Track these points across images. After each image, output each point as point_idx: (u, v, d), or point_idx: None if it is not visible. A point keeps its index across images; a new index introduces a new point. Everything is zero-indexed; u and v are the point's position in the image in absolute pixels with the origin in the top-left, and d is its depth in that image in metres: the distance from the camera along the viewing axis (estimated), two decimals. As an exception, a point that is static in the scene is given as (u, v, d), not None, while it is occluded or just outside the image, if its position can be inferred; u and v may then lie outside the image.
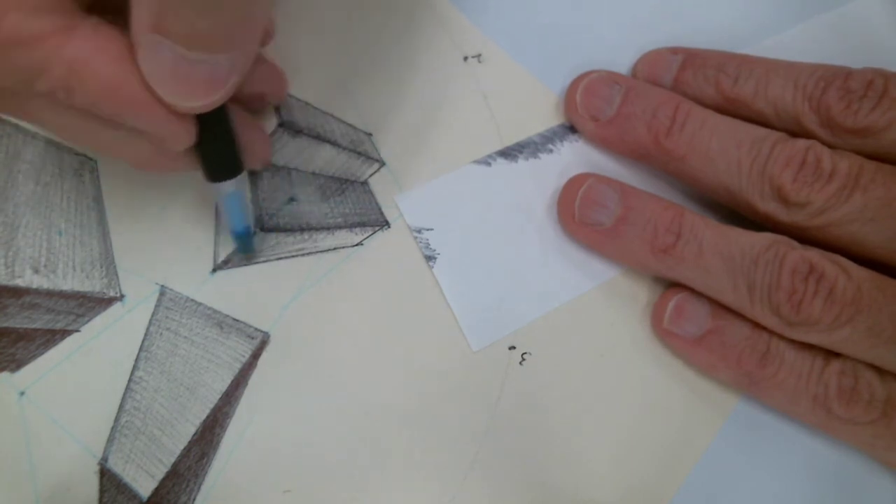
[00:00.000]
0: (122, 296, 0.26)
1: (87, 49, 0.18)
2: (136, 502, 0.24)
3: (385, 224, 0.27)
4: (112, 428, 0.25)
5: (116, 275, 0.26)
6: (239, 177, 0.23)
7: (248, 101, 0.26)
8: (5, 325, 0.25)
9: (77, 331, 0.25)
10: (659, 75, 0.27)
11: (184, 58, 0.17)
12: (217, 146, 0.22)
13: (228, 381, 0.25)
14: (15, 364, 0.25)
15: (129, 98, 0.18)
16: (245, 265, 0.26)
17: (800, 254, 0.22)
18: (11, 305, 0.25)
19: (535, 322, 0.26)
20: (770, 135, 0.24)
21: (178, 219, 0.27)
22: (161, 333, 0.25)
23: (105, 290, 0.26)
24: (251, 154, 0.24)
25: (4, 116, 0.27)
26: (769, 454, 0.25)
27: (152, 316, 0.26)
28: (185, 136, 0.20)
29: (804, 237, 0.23)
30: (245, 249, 0.26)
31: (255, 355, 0.25)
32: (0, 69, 0.18)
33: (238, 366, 0.25)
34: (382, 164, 0.27)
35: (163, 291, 0.26)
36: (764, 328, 0.23)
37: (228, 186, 0.23)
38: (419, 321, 0.26)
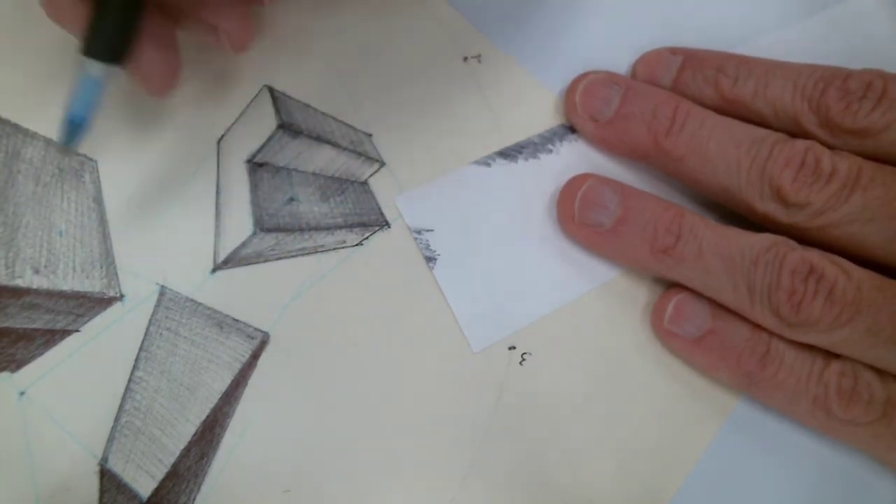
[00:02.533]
0: (122, 296, 0.26)
1: None
2: (136, 502, 0.24)
3: (385, 224, 0.27)
4: (112, 428, 0.25)
5: (116, 275, 0.26)
6: (112, 67, 0.20)
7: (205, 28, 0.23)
8: (5, 325, 0.25)
9: (77, 331, 0.25)
10: (658, 76, 0.27)
11: None
12: (109, 22, 0.20)
13: (228, 381, 0.25)
14: (15, 364, 0.25)
15: None
16: (245, 265, 0.26)
17: (800, 254, 0.22)
18: (11, 305, 0.25)
19: (535, 322, 0.26)
20: (769, 135, 0.24)
21: (178, 219, 0.27)
22: (161, 333, 0.25)
23: (105, 290, 0.26)
24: (143, 72, 0.22)
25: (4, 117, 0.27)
26: (769, 454, 0.25)
27: (152, 316, 0.26)
28: None
29: (803, 238, 0.23)
30: (66, 140, 0.22)
31: (255, 355, 0.25)
32: None
33: (238, 366, 0.25)
34: (382, 164, 0.27)
35: (163, 291, 0.26)
36: (764, 329, 0.23)
37: (96, 70, 0.20)
38: (419, 321, 0.26)
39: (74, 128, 0.22)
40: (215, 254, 0.26)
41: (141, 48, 0.21)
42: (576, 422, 0.25)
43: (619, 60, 0.28)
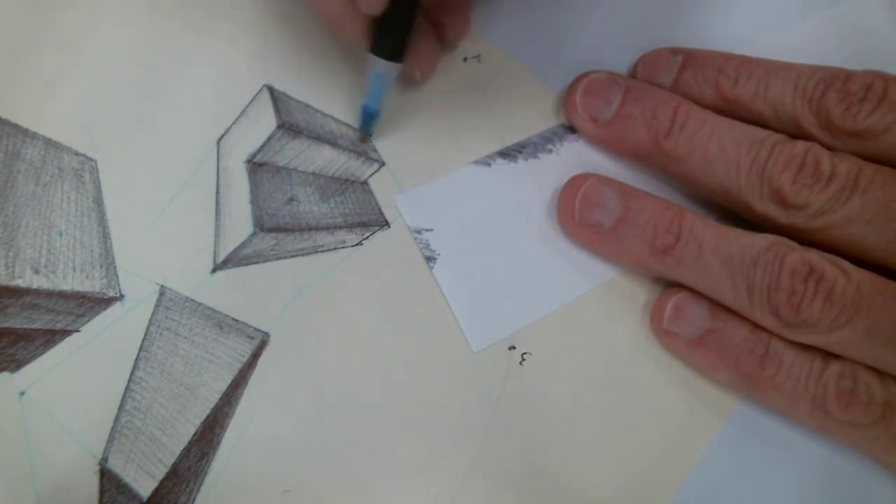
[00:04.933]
0: (122, 296, 0.26)
1: None
2: (136, 502, 0.24)
3: (385, 224, 0.27)
4: (112, 428, 0.25)
5: (116, 275, 0.26)
6: (393, 65, 0.25)
7: (434, 26, 0.27)
8: (5, 325, 0.25)
9: (77, 331, 0.25)
10: (659, 76, 0.27)
11: None
12: (394, 27, 0.24)
13: (228, 381, 0.25)
14: (15, 364, 0.25)
15: None
16: (245, 265, 0.26)
17: (799, 255, 0.22)
18: (11, 306, 0.25)
19: (535, 322, 0.26)
20: (769, 136, 0.24)
21: (178, 219, 0.27)
22: (161, 333, 0.25)
23: (105, 291, 0.26)
24: (416, 61, 0.26)
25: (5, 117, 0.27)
26: (769, 455, 0.25)
27: (152, 316, 0.26)
28: (377, 2, 0.23)
29: (803, 239, 0.23)
30: (364, 127, 0.27)
31: (255, 355, 0.25)
32: None
33: (238, 366, 0.25)
34: (382, 164, 0.27)
35: (162, 291, 0.26)
36: (763, 329, 0.23)
37: (382, 66, 0.25)
38: (419, 321, 0.26)
39: (370, 117, 0.27)
40: (215, 254, 0.26)
41: (413, 45, 0.25)
42: (576, 422, 0.25)
43: (619, 60, 0.28)
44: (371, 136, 0.27)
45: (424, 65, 0.27)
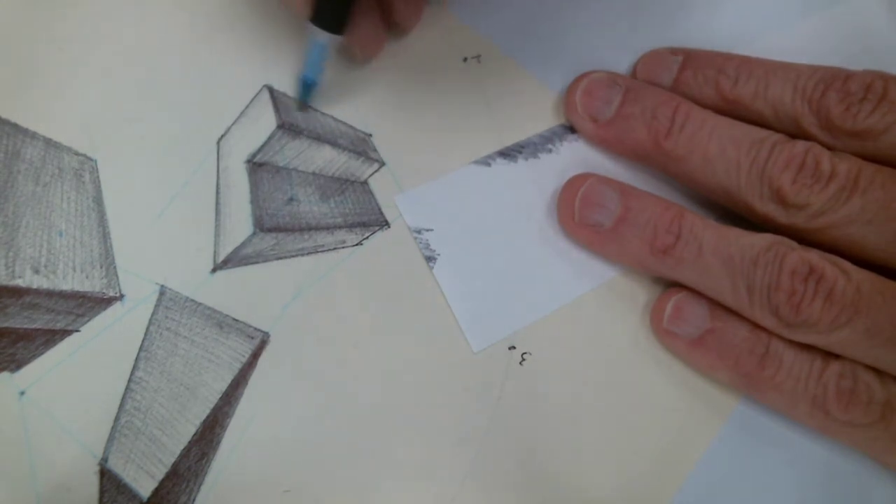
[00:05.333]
0: (122, 296, 0.26)
1: None
2: (136, 502, 0.24)
3: (385, 224, 0.27)
4: (112, 428, 0.25)
5: (116, 275, 0.26)
6: (332, 37, 0.25)
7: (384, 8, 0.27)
8: (5, 325, 0.25)
9: (77, 331, 0.25)
10: (658, 76, 0.27)
11: None
12: (335, 0, 0.25)
13: (228, 381, 0.25)
14: (15, 364, 0.25)
15: None
16: (245, 265, 0.26)
17: (799, 255, 0.22)
18: (11, 305, 0.25)
19: (535, 322, 0.26)
20: (769, 136, 0.24)
21: (178, 219, 0.27)
22: (161, 333, 0.25)
23: (105, 290, 0.26)
24: (357, 38, 0.26)
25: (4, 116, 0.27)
26: (769, 455, 0.25)
27: (152, 316, 0.26)
28: None
29: (803, 239, 0.23)
30: (302, 96, 0.27)
31: (255, 355, 0.25)
32: None
33: (238, 366, 0.25)
34: (382, 164, 0.27)
35: (162, 291, 0.26)
36: (763, 329, 0.23)
37: (323, 37, 0.25)
38: (419, 321, 0.26)
39: (307, 87, 0.27)
40: (215, 254, 0.26)
41: (356, 21, 0.25)
42: (576, 422, 0.25)
43: (619, 60, 0.28)
44: (309, 106, 0.28)
45: (366, 43, 0.27)
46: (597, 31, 0.29)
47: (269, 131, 0.27)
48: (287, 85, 0.28)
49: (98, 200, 0.27)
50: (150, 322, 0.25)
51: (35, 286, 0.26)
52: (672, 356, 0.25)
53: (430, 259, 0.26)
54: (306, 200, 0.27)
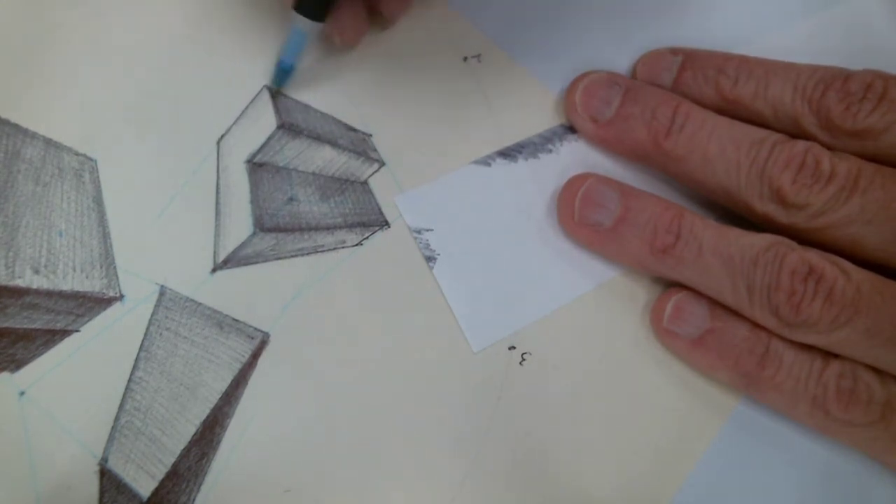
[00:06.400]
0: (122, 296, 0.26)
1: None
2: (136, 502, 0.24)
3: (385, 224, 0.27)
4: (112, 428, 0.25)
5: (116, 275, 0.26)
6: (313, 24, 0.25)
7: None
8: (5, 325, 0.25)
9: (77, 331, 0.25)
10: (658, 76, 0.27)
11: None
12: None
13: (228, 381, 0.25)
14: (15, 364, 0.25)
15: None
16: (245, 265, 0.26)
17: (799, 255, 0.22)
18: (11, 305, 0.25)
19: (535, 322, 0.26)
20: (769, 136, 0.24)
21: (178, 219, 0.27)
22: (161, 333, 0.25)
23: (105, 291, 0.26)
24: (337, 26, 0.27)
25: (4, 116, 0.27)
26: (769, 454, 0.25)
27: (152, 316, 0.26)
28: None
29: (802, 239, 0.23)
30: (276, 82, 0.28)
31: (255, 355, 0.25)
32: None
33: (238, 366, 0.25)
34: (382, 164, 0.27)
35: (162, 291, 0.26)
36: (763, 329, 0.23)
37: (304, 24, 0.25)
38: (419, 321, 0.26)
39: (284, 73, 0.27)
40: (215, 254, 0.26)
41: (338, 9, 0.26)
42: (576, 422, 0.25)
43: (619, 60, 0.28)
44: (282, 91, 0.28)
45: (347, 31, 0.27)
46: (597, 31, 0.29)
47: (269, 131, 0.27)
48: (288, 84, 0.28)
49: (98, 200, 0.27)
50: (150, 322, 0.25)
51: (35, 286, 0.26)
52: (672, 356, 0.25)
53: (430, 259, 0.26)
54: (306, 200, 0.27)
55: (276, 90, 0.28)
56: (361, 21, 0.27)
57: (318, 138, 0.28)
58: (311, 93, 0.28)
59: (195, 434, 0.25)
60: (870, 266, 0.23)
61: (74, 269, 0.26)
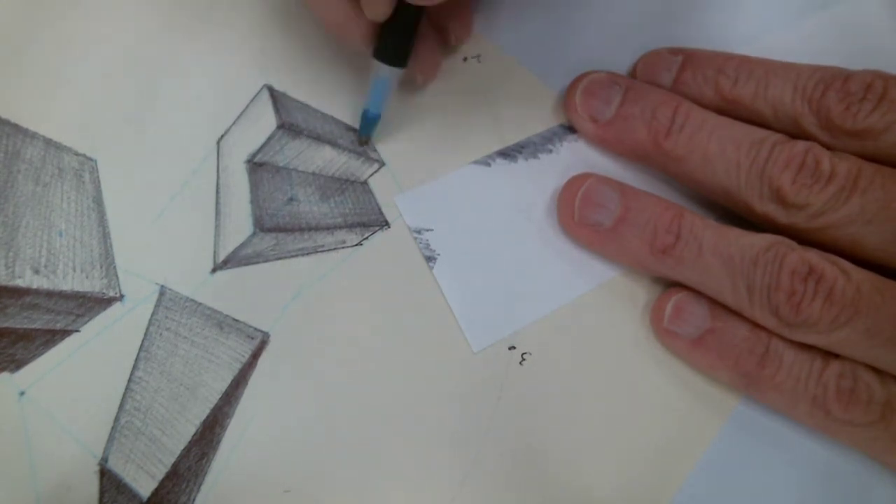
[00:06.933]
0: (122, 296, 0.26)
1: None
2: (136, 502, 0.24)
3: (385, 224, 0.27)
4: (112, 428, 0.25)
5: (116, 275, 0.26)
6: (396, 70, 0.25)
7: (436, 30, 0.28)
8: (5, 325, 0.25)
9: (77, 331, 0.25)
10: (658, 76, 0.27)
11: None
12: (399, 32, 0.24)
13: (228, 381, 0.25)
14: (15, 364, 0.25)
15: None
16: (245, 265, 0.26)
17: (799, 255, 0.22)
18: (11, 306, 0.25)
19: (535, 322, 0.26)
20: (769, 136, 0.24)
21: (178, 219, 0.27)
22: (161, 333, 0.25)
23: (105, 291, 0.26)
24: (419, 65, 0.26)
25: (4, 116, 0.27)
26: (769, 454, 0.25)
27: (152, 316, 0.26)
28: (383, 7, 0.23)
29: (802, 239, 0.23)
30: (364, 131, 0.27)
31: (255, 355, 0.25)
32: None
33: (238, 366, 0.25)
34: (382, 164, 0.27)
35: (162, 291, 0.26)
36: (763, 329, 0.23)
37: (386, 72, 0.25)
38: (419, 321, 0.26)
39: (370, 121, 0.27)
40: (215, 254, 0.26)
41: (416, 50, 0.25)
42: (576, 422, 0.25)
43: (619, 60, 0.28)
44: (370, 140, 0.27)
45: (427, 69, 0.27)
46: (597, 31, 0.29)
47: (269, 131, 0.28)
48: (287, 84, 0.28)
49: (98, 200, 0.27)
50: (150, 322, 0.26)
51: (35, 286, 0.26)
52: (672, 356, 0.25)
53: (430, 259, 0.26)
54: (306, 200, 0.27)
55: (363, 135, 0.27)
56: (437, 55, 0.27)
57: (318, 138, 0.28)
58: (311, 93, 0.28)
59: (195, 434, 0.25)
60: (870, 266, 0.22)
61: (74, 269, 0.26)
